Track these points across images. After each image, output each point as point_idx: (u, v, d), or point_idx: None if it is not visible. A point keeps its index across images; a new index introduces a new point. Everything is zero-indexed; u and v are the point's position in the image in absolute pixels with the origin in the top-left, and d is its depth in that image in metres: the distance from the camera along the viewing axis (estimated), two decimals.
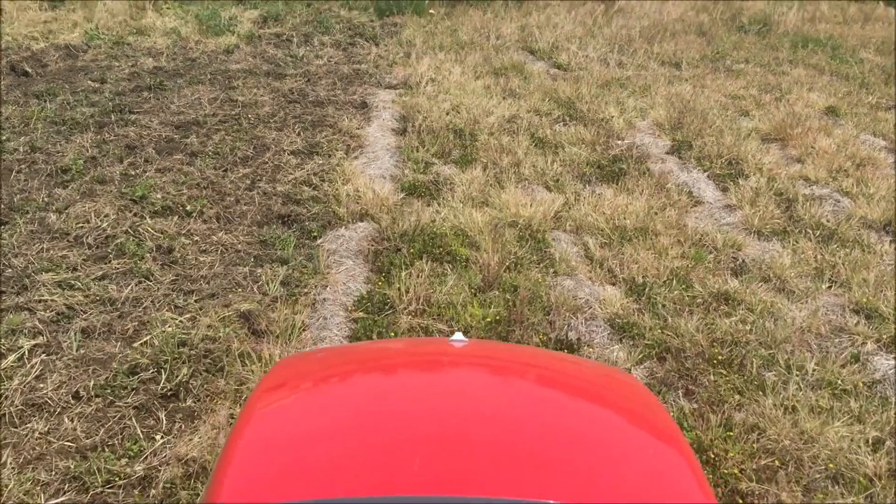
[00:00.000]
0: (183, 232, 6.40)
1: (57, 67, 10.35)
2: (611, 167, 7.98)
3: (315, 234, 6.55)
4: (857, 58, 12.02)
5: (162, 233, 6.35)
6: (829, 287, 6.09)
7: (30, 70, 10.15)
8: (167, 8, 13.17)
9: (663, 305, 5.76)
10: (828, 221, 6.99)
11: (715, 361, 5.15)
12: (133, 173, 7.34)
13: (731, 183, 7.70)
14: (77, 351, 4.95)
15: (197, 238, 6.32)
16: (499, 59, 11.31)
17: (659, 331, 5.47)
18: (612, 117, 9.26)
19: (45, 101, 8.97)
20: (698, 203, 7.42)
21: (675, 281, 6.05)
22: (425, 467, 2.11)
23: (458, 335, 3.06)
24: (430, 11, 13.44)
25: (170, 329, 5.16)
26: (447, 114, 9.11)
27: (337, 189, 7.23)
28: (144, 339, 5.08)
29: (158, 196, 6.85)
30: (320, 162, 7.81)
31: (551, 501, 1.97)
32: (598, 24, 13.21)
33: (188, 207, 6.72)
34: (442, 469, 2.12)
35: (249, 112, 8.95)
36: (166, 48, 11.37)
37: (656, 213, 7.04)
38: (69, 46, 11.07)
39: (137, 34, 11.94)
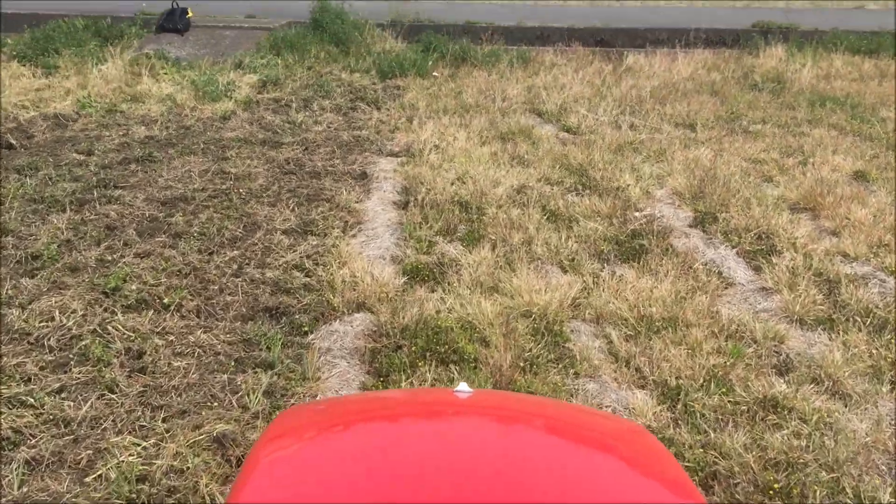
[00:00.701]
0: (157, 330, 5.55)
1: (44, 138, 9.62)
2: (630, 244, 7.14)
3: (306, 328, 5.71)
4: (879, 117, 11.23)
5: (133, 331, 5.50)
6: (891, 390, 5.20)
7: (14, 142, 9.41)
8: (164, 73, 12.49)
9: (702, 415, 4.88)
10: (877, 307, 6.11)
11: (771, 491, 4.25)
12: (110, 258, 6.52)
13: (764, 261, 6.85)
14: (18, 489, 4.09)
15: (172, 338, 5.47)
16: (505, 122, 10.55)
17: (701, 449, 4.58)
18: (628, 186, 8.45)
19: (26, 177, 8.20)
20: (729, 285, 6.56)
21: (713, 383, 5.17)
22: None
23: (463, 385, 2.83)
24: (434, 74, 12.73)
25: (130, 459, 4.29)
26: (452, 184, 8.32)
27: (332, 274, 6.41)
28: (99, 473, 4.21)
29: (133, 287, 6.02)
30: (315, 242, 6.98)
31: None
32: (606, 84, 12.48)
33: (166, 300, 5.89)
34: None
35: (241, 185, 8.16)
36: (160, 115, 10.65)
37: (684, 299, 6.18)
38: (59, 116, 10.35)
39: (132, 101, 11.24)
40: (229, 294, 6.08)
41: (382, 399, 3.41)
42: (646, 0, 19.48)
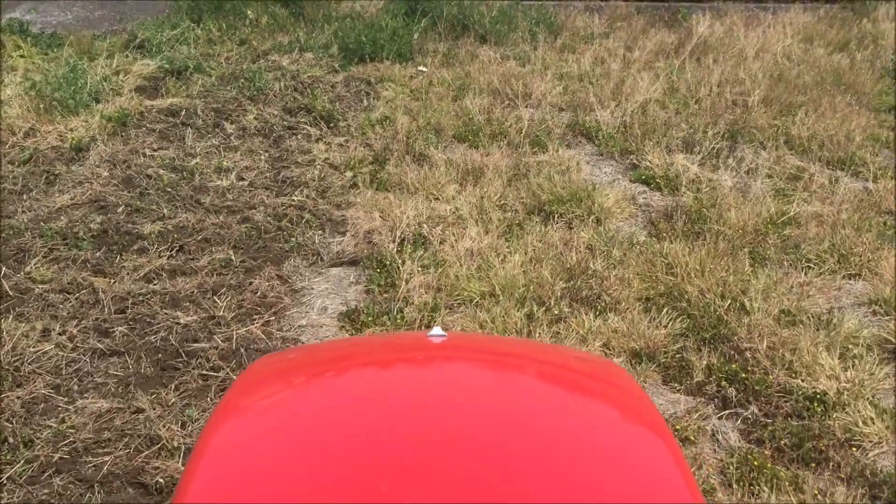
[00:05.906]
0: None
1: None
2: None
3: None
4: None
5: None
6: None
7: None
8: (19, 57, 6.96)
9: None
10: None
11: None
12: None
13: None
14: None
15: None
16: (541, 167, 5.20)
17: None
18: (842, 395, 3.23)
19: None
20: None
21: None
22: (401, 474, 1.63)
23: (437, 329, 2.22)
24: (421, 68, 6.97)
25: None
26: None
27: None
28: None
29: None
30: None
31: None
32: (679, 70, 6.97)
33: None
34: (419, 473, 1.62)
35: None
36: None
37: None
38: None
39: None
40: None
41: (356, 347, 2.66)
42: None
